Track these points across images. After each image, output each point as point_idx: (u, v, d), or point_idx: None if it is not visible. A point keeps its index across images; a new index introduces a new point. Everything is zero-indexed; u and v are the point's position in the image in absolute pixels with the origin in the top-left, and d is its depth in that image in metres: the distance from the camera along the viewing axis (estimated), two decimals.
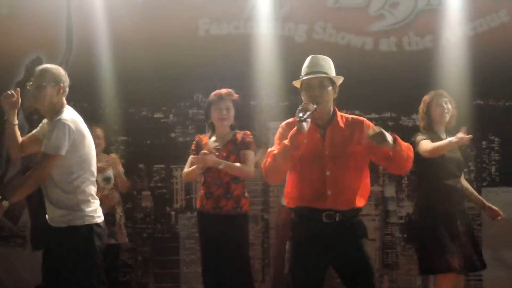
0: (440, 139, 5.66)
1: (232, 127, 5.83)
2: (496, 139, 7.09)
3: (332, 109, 4.45)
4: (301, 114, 4.10)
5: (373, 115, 7.08)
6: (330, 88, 4.38)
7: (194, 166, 5.66)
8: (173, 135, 7.32)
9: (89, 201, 4.77)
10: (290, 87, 6.90)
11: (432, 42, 7.16)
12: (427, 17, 7.17)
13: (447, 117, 5.79)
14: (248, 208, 5.83)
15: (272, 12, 7.18)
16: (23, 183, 4.74)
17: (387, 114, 7.14)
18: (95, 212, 4.81)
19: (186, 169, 5.87)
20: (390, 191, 6.92)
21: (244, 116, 6.28)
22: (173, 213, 7.30)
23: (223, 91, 5.81)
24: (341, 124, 4.38)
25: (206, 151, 5.55)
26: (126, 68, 7.12)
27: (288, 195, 4.49)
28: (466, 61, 6.97)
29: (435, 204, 5.67)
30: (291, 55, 6.95)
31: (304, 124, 4.08)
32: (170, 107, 7.33)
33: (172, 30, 7.24)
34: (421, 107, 5.91)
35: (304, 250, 4.30)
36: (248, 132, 5.86)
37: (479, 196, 6.09)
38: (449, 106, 5.80)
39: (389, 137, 4.10)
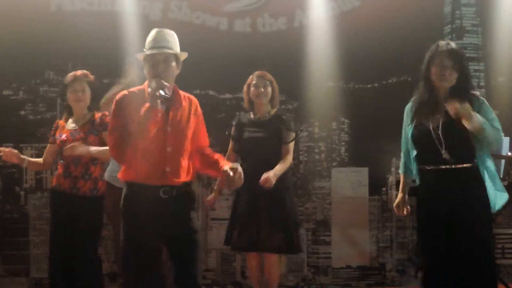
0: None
1: (89, 109, 5.72)
2: (346, 120, 7.30)
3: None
4: (163, 92, 4.07)
5: (227, 95, 7.15)
6: (174, 64, 4.31)
7: None
8: (23, 113, 7.14)
9: None
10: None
11: (285, 24, 7.28)
12: None
13: (264, 99, 5.79)
14: (104, 191, 5.72)
15: None
16: None
17: (242, 95, 7.20)
18: None
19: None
20: None
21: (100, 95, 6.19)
22: (22, 193, 7.13)
23: (78, 72, 5.68)
24: (183, 102, 4.34)
25: (75, 144, 5.43)
26: None
27: (125, 169, 4.33)
28: (318, 44, 7.13)
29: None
30: (146, 34, 6.87)
31: (159, 100, 4.08)
32: (20, 84, 7.14)
33: (23, 5, 7.06)
34: (244, 87, 5.93)
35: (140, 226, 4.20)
36: (107, 113, 5.77)
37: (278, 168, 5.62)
38: (268, 89, 5.80)
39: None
